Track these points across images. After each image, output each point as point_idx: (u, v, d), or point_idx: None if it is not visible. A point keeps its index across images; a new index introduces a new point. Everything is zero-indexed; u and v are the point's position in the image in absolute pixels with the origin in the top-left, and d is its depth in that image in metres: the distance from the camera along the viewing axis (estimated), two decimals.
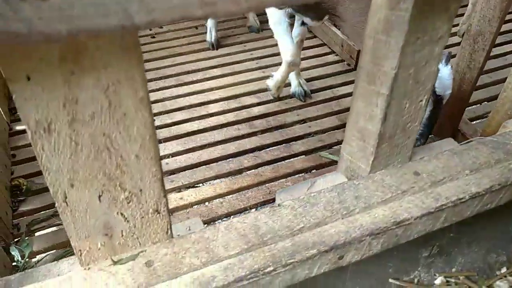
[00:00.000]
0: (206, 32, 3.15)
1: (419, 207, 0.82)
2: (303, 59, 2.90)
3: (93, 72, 0.52)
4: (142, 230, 0.73)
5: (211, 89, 2.72)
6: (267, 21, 3.37)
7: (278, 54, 3.08)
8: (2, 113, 2.19)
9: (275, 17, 2.06)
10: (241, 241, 0.76)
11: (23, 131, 2.22)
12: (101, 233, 0.70)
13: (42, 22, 0.39)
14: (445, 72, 1.37)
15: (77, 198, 0.64)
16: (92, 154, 0.60)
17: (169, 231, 0.77)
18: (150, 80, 2.66)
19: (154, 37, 3.21)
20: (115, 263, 0.73)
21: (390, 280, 0.93)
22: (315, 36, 3.24)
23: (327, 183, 0.91)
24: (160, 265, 0.73)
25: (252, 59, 3.01)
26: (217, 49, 3.11)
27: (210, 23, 3.06)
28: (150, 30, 3.17)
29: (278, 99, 2.63)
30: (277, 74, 2.48)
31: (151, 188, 0.68)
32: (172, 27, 3.27)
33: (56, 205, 0.64)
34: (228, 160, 2.20)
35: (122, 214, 0.69)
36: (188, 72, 2.92)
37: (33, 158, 2.02)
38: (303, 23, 2.35)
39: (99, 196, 0.65)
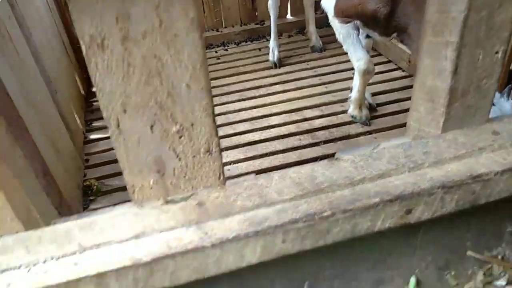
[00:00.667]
0: (268, 53, 3.21)
1: (499, 163, 0.72)
2: None
3: None
4: (194, 172, 0.71)
5: (273, 103, 2.74)
6: (329, 42, 3.38)
7: (342, 70, 3.06)
8: (79, 123, 2.34)
9: (343, 31, 2.04)
10: (296, 188, 0.72)
11: (96, 140, 2.34)
12: (153, 169, 0.69)
13: None
14: (506, 106, 1.28)
15: (130, 125, 0.64)
16: (143, 78, 0.60)
17: (221, 177, 0.74)
18: (214, 96, 2.73)
19: (219, 59, 3.33)
20: (167, 202, 0.72)
21: (469, 253, 0.81)
22: (379, 54, 3.18)
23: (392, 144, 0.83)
24: (212, 206, 0.71)
25: (315, 76, 3.01)
26: (279, 68, 3.15)
27: (272, 43, 3.12)
28: (216, 52, 3.30)
29: (341, 112, 2.56)
30: (354, 92, 2.41)
31: (202, 124, 0.67)
32: (237, 49, 3.39)
33: (110, 132, 0.64)
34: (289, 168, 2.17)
35: (174, 149, 0.68)
36: (250, 88, 2.98)
37: (103, 163, 2.13)
38: (368, 36, 2.31)
39: (151, 126, 0.65)
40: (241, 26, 3.43)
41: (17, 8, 1.72)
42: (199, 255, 0.66)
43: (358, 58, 2.05)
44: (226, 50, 3.32)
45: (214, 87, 2.82)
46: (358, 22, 1.93)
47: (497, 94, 1.37)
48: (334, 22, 2.02)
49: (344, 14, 1.93)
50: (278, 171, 0.76)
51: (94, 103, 2.78)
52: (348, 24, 1.95)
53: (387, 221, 0.70)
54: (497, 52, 0.75)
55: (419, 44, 0.82)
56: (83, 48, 0.56)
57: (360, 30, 2.29)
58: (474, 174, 0.70)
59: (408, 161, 0.74)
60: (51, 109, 1.81)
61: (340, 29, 2.00)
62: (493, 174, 0.71)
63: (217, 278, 0.70)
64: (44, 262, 0.66)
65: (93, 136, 2.40)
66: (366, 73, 2.09)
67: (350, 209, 0.68)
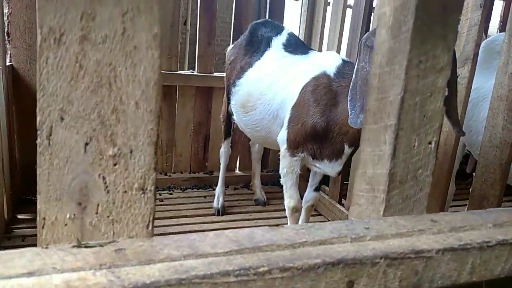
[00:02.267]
0: (213, 201, 3.22)
1: (440, 242, 0.70)
2: None
3: None
4: (121, 212, 0.63)
5: None
6: (273, 198, 3.49)
7: (284, 224, 3.05)
8: None
9: (289, 166, 2.19)
10: (233, 244, 0.64)
11: None
12: (75, 199, 0.61)
13: None
14: None
15: (63, 138, 0.59)
16: (92, 85, 0.59)
17: (150, 226, 0.66)
18: None
19: (162, 201, 3.29)
20: (79, 245, 0.61)
21: None
22: (319, 214, 3.28)
23: None
24: (132, 252, 0.60)
25: (256, 226, 2.97)
26: (222, 215, 3.13)
27: (218, 190, 3.16)
28: (160, 195, 3.28)
29: None
30: None
31: (143, 152, 0.63)
32: (182, 194, 3.39)
33: (38, 141, 0.58)
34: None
35: (104, 178, 0.62)
36: (190, 232, 2.87)
37: None
38: (316, 189, 2.46)
39: (86, 144, 0.60)
40: (189, 173, 3.50)
41: None
42: None
43: (290, 195, 2.25)
44: (171, 194, 3.31)
45: None
46: (305, 155, 2.11)
47: None
48: (286, 156, 2.18)
49: (294, 144, 2.12)
50: (214, 231, 0.69)
51: (15, 230, 2.53)
52: (297, 158, 2.13)
53: None
54: (430, 143, 0.81)
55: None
56: (39, 39, 0.55)
57: (310, 181, 2.43)
58: (416, 249, 0.67)
59: (350, 233, 0.71)
60: None
61: (288, 163, 2.17)
62: (435, 252, 0.68)
63: None
64: None
65: None
66: (294, 211, 2.28)
67: (289, 268, 0.60)
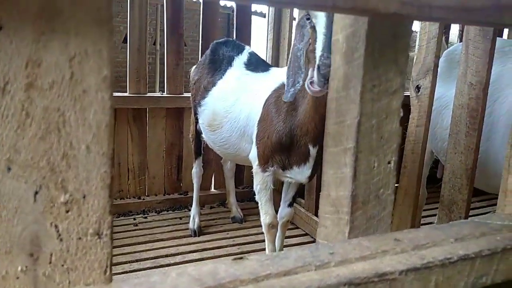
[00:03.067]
0: (189, 222, 3.19)
1: (403, 263, 0.71)
2: (288, 245, 2.92)
3: (63, 37, 0.56)
4: (76, 260, 0.61)
5: None
6: (250, 214, 3.48)
7: (261, 240, 3.07)
8: None
9: (262, 182, 2.21)
10: (195, 283, 0.63)
11: None
12: (26, 250, 0.59)
13: None
14: None
15: (11, 188, 0.57)
16: (40, 132, 0.57)
17: (108, 271, 0.64)
18: (124, 263, 2.56)
19: (137, 226, 3.23)
20: None
21: None
22: (296, 227, 3.28)
23: None
24: None
25: (234, 245, 2.98)
26: (199, 236, 3.11)
27: (193, 210, 3.13)
28: (134, 219, 3.22)
29: None
30: (267, 250, 2.54)
31: (96, 197, 0.61)
32: (157, 217, 3.34)
33: None
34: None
35: (56, 226, 0.60)
36: (166, 256, 2.84)
37: None
38: (290, 205, 2.48)
39: (36, 193, 0.58)
40: (164, 195, 3.46)
41: None
42: None
43: (265, 211, 2.27)
44: (146, 218, 3.26)
45: (125, 253, 2.65)
46: (276, 168, 2.14)
47: None
48: (258, 172, 2.21)
49: (264, 158, 2.15)
50: (177, 267, 0.68)
51: None
52: (268, 174, 2.17)
53: None
54: (389, 162, 0.83)
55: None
56: None
57: (283, 197, 2.45)
58: (380, 272, 0.68)
59: (315, 260, 0.71)
60: None
61: (261, 179, 2.20)
62: (398, 273, 0.69)
63: None
64: None
65: None
66: (271, 227, 2.30)
67: None
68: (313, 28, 1.64)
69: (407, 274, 0.69)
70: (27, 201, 0.58)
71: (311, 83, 1.63)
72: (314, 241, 2.88)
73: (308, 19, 1.67)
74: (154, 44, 8.52)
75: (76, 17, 0.56)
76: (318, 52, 1.57)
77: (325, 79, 1.51)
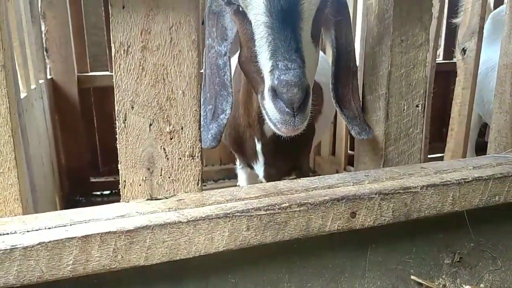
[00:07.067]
0: None
1: (424, 181, 0.89)
2: None
3: (165, 11, 0.79)
4: (178, 174, 0.86)
5: None
6: None
7: None
8: None
9: (240, 175, 1.96)
10: (261, 191, 0.86)
11: None
12: (145, 165, 0.84)
13: None
14: None
15: (134, 121, 0.82)
16: (152, 81, 0.81)
17: (200, 183, 0.88)
18: None
19: None
20: (151, 198, 0.84)
21: (412, 277, 0.90)
22: None
23: None
24: (190, 200, 0.83)
25: None
26: None
27: None
28: None
29: None
30: None
31: (190, 128, 0.85)
32: (215, 185, 3.59)
33: (117, 125, 0.81)
34: None
35: (164, 149, 0.84)
36: None
37: None
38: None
39: (150, 125, 0.83)
40: (220, 165, 3.74)
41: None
42: (174, 230, 0.76)
43: None
44: (205, 185, 3.56)
45: None
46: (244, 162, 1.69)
47: None
48: (239, 169, 1.92)
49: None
50: (246, 185, 0.91)
51: None
52: (242, 167, 1.81)
53: (336, 222, 0.83)
54: (417, 106, 1.00)
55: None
56: (113, 52, 0.78)
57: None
58: (404, 186, 0.87)
59: (352, 179, 0.91)
60: None
61: (240, 176, 1.95)
62: (419, 188, 0.87)
63: (187, 269, 0.77)
64: (38, 230, 0.75)
65: None
66: None
67: (304, 203, 0.81)
68: (241, 15, 0.94)
69: (427, 189, 0.88)
70: (145, 130, 0.83)
71: (274, 121, 0.89)
72: None
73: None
74: (203, 24, 8.75)
75: None
76: (266, 62, 0.87)
77: (293, 107, 0.82)
